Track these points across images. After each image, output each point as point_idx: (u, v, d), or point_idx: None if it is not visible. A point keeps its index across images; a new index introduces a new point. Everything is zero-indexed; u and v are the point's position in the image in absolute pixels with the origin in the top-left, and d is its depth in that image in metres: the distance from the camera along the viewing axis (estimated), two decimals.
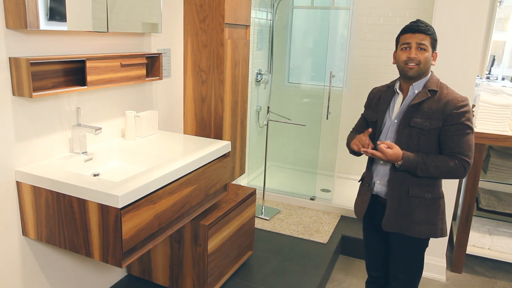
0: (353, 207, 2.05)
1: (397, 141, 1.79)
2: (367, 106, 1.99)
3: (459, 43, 2.52)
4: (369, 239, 2.04)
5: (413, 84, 1.78)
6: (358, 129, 2.02)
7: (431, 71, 1.81)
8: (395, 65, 1.82)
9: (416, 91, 1.78)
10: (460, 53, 2.53)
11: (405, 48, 1.75)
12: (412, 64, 1.73)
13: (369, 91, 2.02)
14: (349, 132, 2.07)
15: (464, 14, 2.47)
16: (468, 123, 1.72)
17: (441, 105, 1.72)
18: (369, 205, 1.92)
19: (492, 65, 3.70)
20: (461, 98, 1.73)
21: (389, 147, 1.74)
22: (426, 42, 1.72)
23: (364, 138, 1.82)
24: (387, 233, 1.93)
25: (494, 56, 3.73)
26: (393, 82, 1.90)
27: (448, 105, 1.71)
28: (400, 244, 1.88)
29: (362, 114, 2.03)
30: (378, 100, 1.90)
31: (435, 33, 1.76)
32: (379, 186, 1.87)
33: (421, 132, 1.74)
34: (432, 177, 1.78)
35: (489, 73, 3.69)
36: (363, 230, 2.06)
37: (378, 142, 1.78)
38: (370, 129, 1.82)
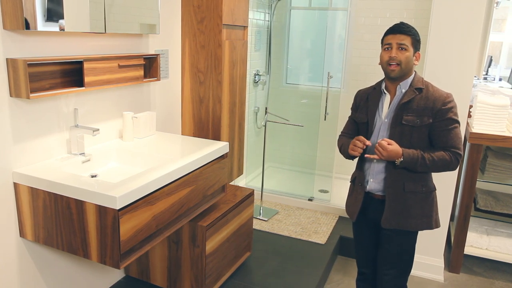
0: None
1: (390, 139, 1.82)
2: (355, 108, 2.02)
3: (457, 43, 2.53)
4: (361, 235, 2.07)
5: (400, 84, 1.84)
6: (348, 132, 2.05)
7: (415, 71, 1.88)
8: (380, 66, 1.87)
9: (404, 90, 1.84)
10: (457, 54, 2.54)
11: (387, 48, 1.81)
12: (393, 64, 1.78)
13: None
14: (338, 136, 2.09)
15: (462, 15, 2.48)
16: (455, 117, 1.81)
17: (430, 102, 1.79)
18: (361, 203, 1.96)
19: (489, 66, 3.72)
20: (447, 94, 1.82)
21: (389, 143, 1.78)
22: (407, 42, 1.77)
23: (358, 142, 1.85)
24: (379, 229, 1.96)
25: (491, 56, 3.75)
26: (379, 84, 1.94)
27: (436, 102, 1.79)
28: (394, 238, 1.91)
29: (349, 117, 2.06)
30: (366, 101, 1.95)
31: (417, 34, 1.81)
32: (373, 184, 1.90)
33: (413, 129, 1.81)
34: (427, 172, 1.85)
35: (486, 74, 3.70)
36: (355, 227, 2.08)
37: (378, 141, 1.81)
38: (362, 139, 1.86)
